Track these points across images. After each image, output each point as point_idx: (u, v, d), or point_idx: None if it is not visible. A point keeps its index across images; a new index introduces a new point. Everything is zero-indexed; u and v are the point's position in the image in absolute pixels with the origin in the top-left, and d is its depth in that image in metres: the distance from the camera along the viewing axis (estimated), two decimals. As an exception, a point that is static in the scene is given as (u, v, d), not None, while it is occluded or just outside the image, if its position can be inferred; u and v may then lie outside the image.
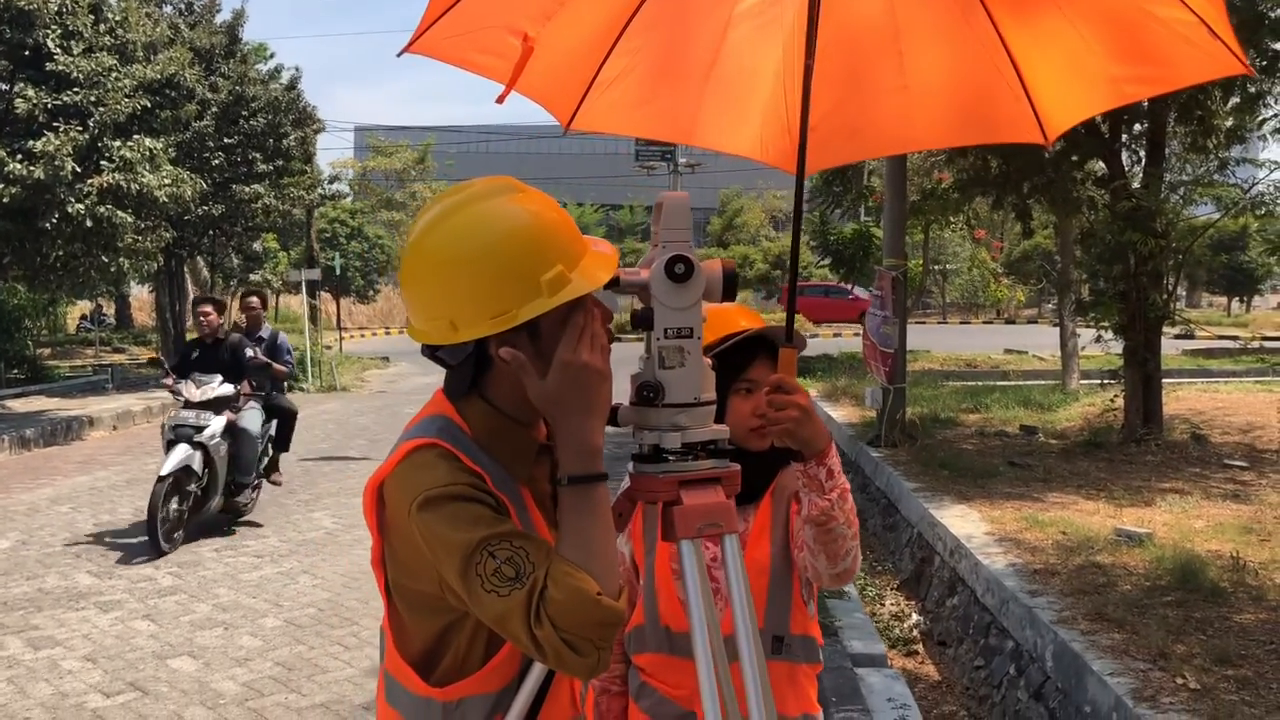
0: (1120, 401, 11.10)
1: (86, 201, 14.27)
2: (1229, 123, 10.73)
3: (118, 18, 15.86)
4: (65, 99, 14.44)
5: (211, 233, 20.15)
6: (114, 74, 14.99)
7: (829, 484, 1.95)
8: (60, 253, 14.80)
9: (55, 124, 14.14)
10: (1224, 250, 33.19)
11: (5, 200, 13.65)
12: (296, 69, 21.69)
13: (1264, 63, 9.82)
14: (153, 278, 23.16)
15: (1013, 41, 2.24)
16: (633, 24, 2.35)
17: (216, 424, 8.38)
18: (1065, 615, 5.35)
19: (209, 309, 8.99)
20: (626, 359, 1.55)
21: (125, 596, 7.01)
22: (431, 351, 1.64)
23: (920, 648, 6.58)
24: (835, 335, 30.46)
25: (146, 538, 8.02)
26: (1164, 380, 11.48)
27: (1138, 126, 11.13)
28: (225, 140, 19.13)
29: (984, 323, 45.16)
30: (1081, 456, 10.09)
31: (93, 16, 15.33)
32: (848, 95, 2.40)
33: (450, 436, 1.60)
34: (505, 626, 1.49)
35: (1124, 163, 11.04)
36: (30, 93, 14.25)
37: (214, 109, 18.91)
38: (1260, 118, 10.58)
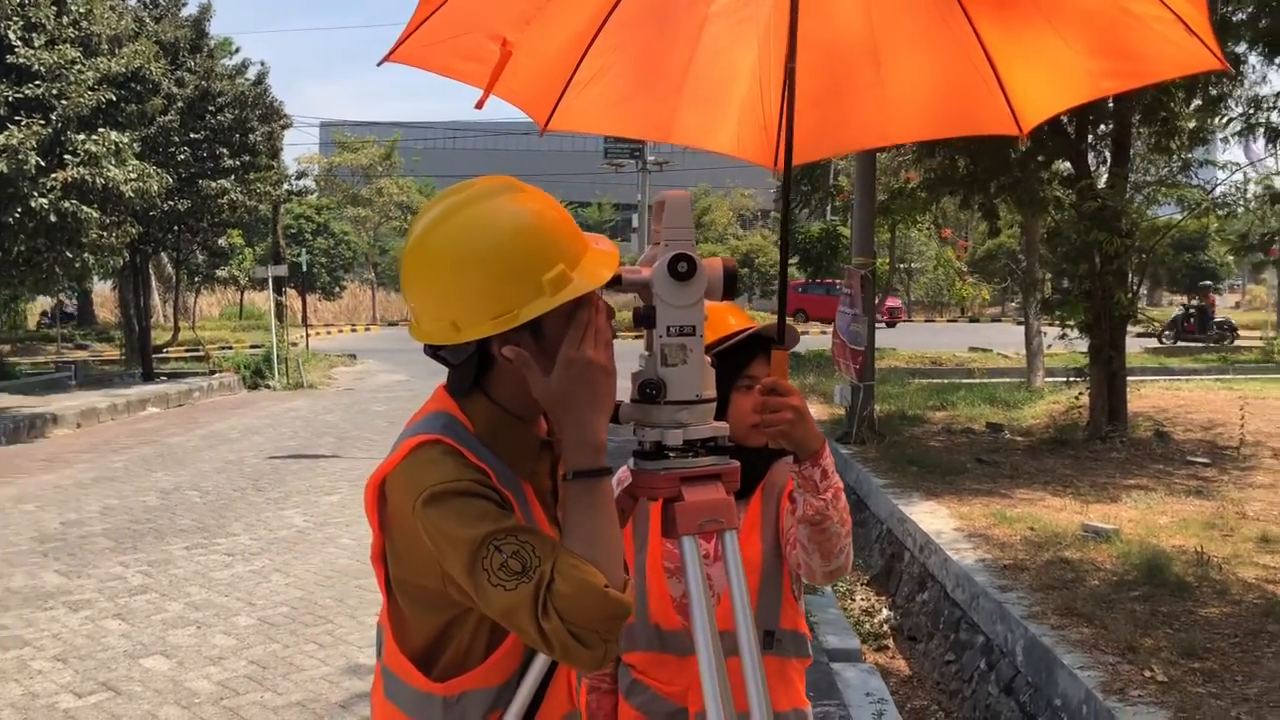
0: (1085, 399, 11.26)
1: (50, 196, 14.09)
2: (1192, 124, 10.91)
3: (81, 10, 15.65)
4: (27, 92, 14.24)
5: (177, 228, 19.92)
6: (77, 67, 14.80)
7: (823, 484, 1.98)
8: (23, 248, 14.58)
9: (17, 117, 13.95)
10: (1185, 250, 33.64)
11: (-33, 194, 13.45)
12: (262, 63, 21.52)
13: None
14: (117, 274, 22.87)
15: (988, 35, 2.28)
16: (608, 24, 2.36)
17: None
18: (1035, 610, 5.42)
19: None
20: (626, 355, 1.57)
21: (95, 596, 6.95)
22: (434, 351, 1.65)
23: (891, 643, 6.65)
24: (822, 333, 30.58)
25: (115, 538, 7.95)
26: (1129, 378, 11.65)
27: (1103, 127, 11.29)
28: (191, 135, 18.93)
29: (948, 321, 45.54)
30: (1048, 453, 10.22)
31: (55, 8, 15.12)
32: (826, 91, 2.43)
33: (454, 433, 1.61)
34: (512, 620, 1.50)
35: (1089, 163, 11.20)
36: (-9, 85, 14.05)
37: (180, 103, 18.71)
38: (1222, 119, 10.76)
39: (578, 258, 1.58)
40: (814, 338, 27.75)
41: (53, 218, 14.16)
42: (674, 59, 2.47)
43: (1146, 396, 13.51)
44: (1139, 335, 12.81)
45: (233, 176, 19.57)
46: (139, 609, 6.68)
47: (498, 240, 1.54)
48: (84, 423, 15.42)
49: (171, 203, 18.25)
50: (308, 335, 27.18)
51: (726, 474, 1.70)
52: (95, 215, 14.69)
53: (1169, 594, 5.58)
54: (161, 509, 9.53)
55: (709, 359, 1.71)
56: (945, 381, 17.22)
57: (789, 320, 2.14)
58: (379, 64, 2.24)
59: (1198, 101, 10.54)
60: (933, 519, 7.49)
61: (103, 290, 38.19)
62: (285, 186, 23.13)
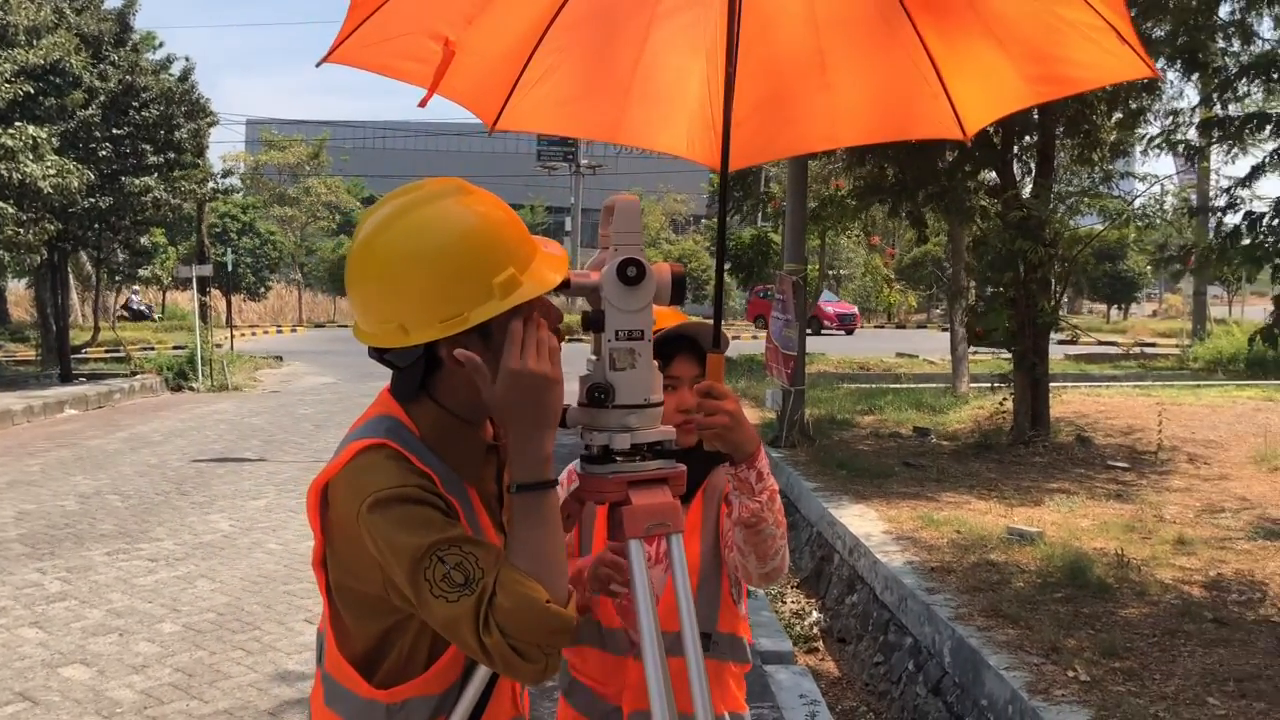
0: (1009, 404, 11.49)
1: (-37, 191, 13.66)
2: (1113, 137, 11.21)
3: (-2, 0, 15.21)
4: (-60, 83, 13.80)
5: (98, 226, 19.40)
6: (-7, 58, 14.37)
7: (759, 486, 2.01)
8: (-67, 244, 14.13)
9: (-72, 109, 13.51)
10: (1106, 259, 34.53)
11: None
12: (188, 59, 21.06)
13: (1144, 81, 10.28)
14: (33, 272, 22.22)
15: (931, 42, 2.32)
16: (556, 23, 2.36)
17: None
18: (962, 611, 5.52)
19: None
20: (572, 358, 1.57)
21: (10, 603, 6.74)
22: (379, 354, 1.63)
23: (820, 644, 6.72)
24: (753, 339, 30.80)
25: (32, 543, 7.72)
26: (1051, 384, 11.92)
27: (1028, 139, 11.54)
28: (114, 131, 18.45)
29: (875, 327, 46.17)
30: (973, 457, 10.42)
31: (-30, -2, 14.68)
32: (772, 94, 2.45)
33: (399, 437, 1.59)
34: (454, 632, 1.49)
35: (1015, 173, 11.44)
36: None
37: (102, 98, 18.24)
38: (1141, 133, 11.07)
39: (527, 261, 1.58)
40: (745, 342, 27.96)
41: (-34, 213, 13.73)
42: (622, 59, 2.47)
43: (1068, 402, 13.82)
44: (1060, 343, 13.12)
45: (156, 174, 19.13)
46: (57, 616, 6.50)
47: (447, 242, 1.53)
48: (-2, 425, 14.96)
49: (92, 200, 17.78)
50: (232, 336, 26.68)
51: (673, 478, 1.71)
52: (11, 211, 14.28)
53: (1091, 595, 5.72)
54: (81, 514, 9.28)
55: (656, 363, 1.72)
56: (873, 386, 17.46)
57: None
58: (318, 65, 2.20)
59: (1119, 115, 10.83)
60: (862, 522, 7.59)
61: (17, 289, 37.11)
62: (210, 185, 22.63)
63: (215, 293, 26.62)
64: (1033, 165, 11.58)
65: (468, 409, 1.64)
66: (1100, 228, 12.72)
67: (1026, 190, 11.26)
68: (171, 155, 19.58)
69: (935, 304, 45.20)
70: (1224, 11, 8.19)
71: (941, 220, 14.39)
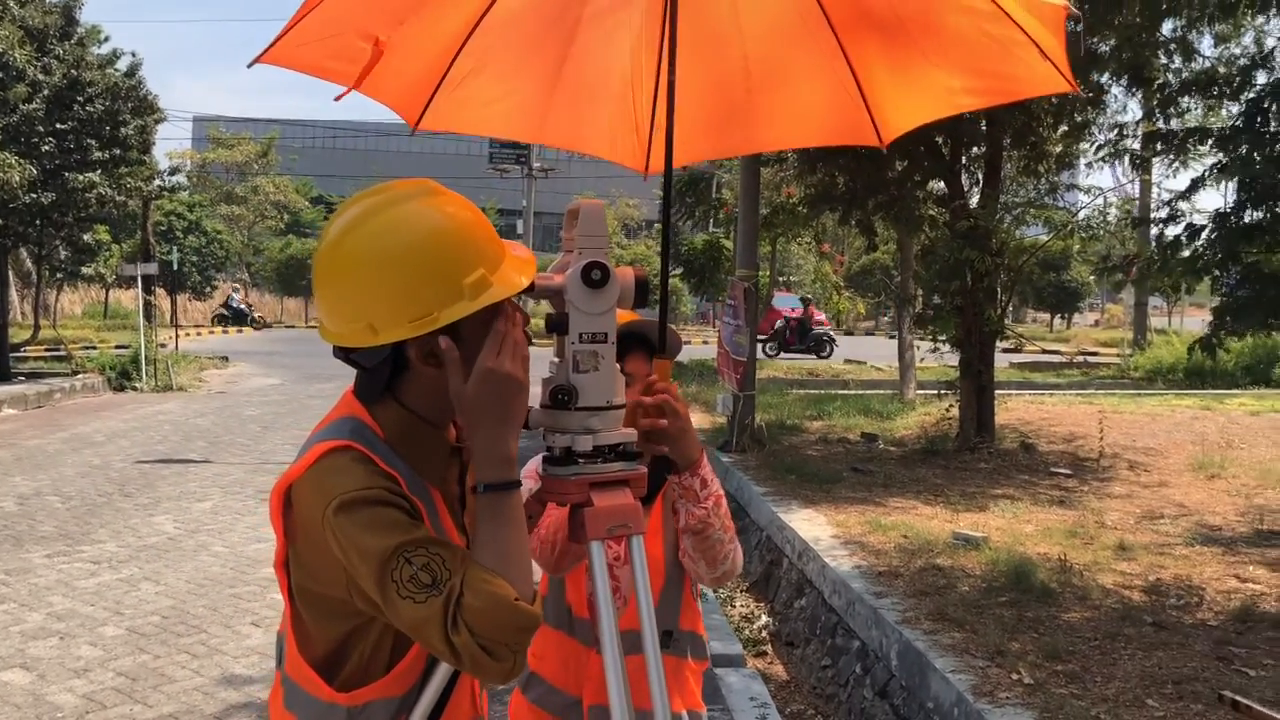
0: (955, 411, 11.65)
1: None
2: (1059, 149, 11.42)
3: (-62, -10, 14.86)
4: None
5: (39, 222, 19.00)
6: (-67, 49, 14.04)
7: (703, 492, 2.04)
8: None
9: None
10: (1050, 269, 35.12)
11: None
12: (134, 54, 20.71)
13: (1091, 94, 10.49)
14: (-30, 268, 21.73)
15: (853, 50, 2.37)
16: (482, 24, 2.37)
17: None
18: (909, 615, 5.60)
19: None
20: (536, 361, 1.58)
21: (-53, 606, 6.60)
22: (345, 354, 1.63)
23: (769, 648, 6.77)
24: (704, 343, 30.90)
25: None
26: (996, 391, 12.10)
27: (976, 150, 11.72)
28: (58, 125, 18.08)
29: (825, 333, 46.47)
30: (920, 463, 10.55)
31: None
32: (697, 97, 2.48)
33: (364, 439, 1.60)
34: (422, 633, 1.50)
35: (963, 184, 11.61)
36: None
37: (46, 92, 17.89)
38: (1086, 146, 11.29)
39: (496, 262, 1.59)
40: (696, 347, 28.05)
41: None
42: (547, 61, 2.49)
43: (1012, 409, 14.04)
44: (1004, 351, 13.34)
45: (101, 170, 18.79)
46: (-4, 620, 6.37)
47: (418, 242, 1.54)
48: (-67, 424, 14.61)
49: (34, 195, 17.42)
50: (177, 336, 26.27)
51: (635, 479, 1.73)
52: (-50, 206, 13.94)
53: (1034, 599, 5.82)
54: (20, 515, 9.10)
55: (619, 366, 1.74)
56: (822, 392, 17.59)
57: (672, 327, 2.19)
58: (249, 65, 2.19)
59: (1064, 127, 11.04)
60: (810, 526, 7.66)
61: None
62: (156, 182, 22.28)
63: (160, 292, 26.19)
64: (980, 176, 11.76)
65: (432, 410, 1.65)
66: (1045, 238, 12.96)
67: (974, 200, 11.44)
68: (117, 151, 19.24)
69: (884, 311, 45.66)
70: (1167, 29, 8.39)
71: (890, 229, 14.57)
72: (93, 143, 18.73)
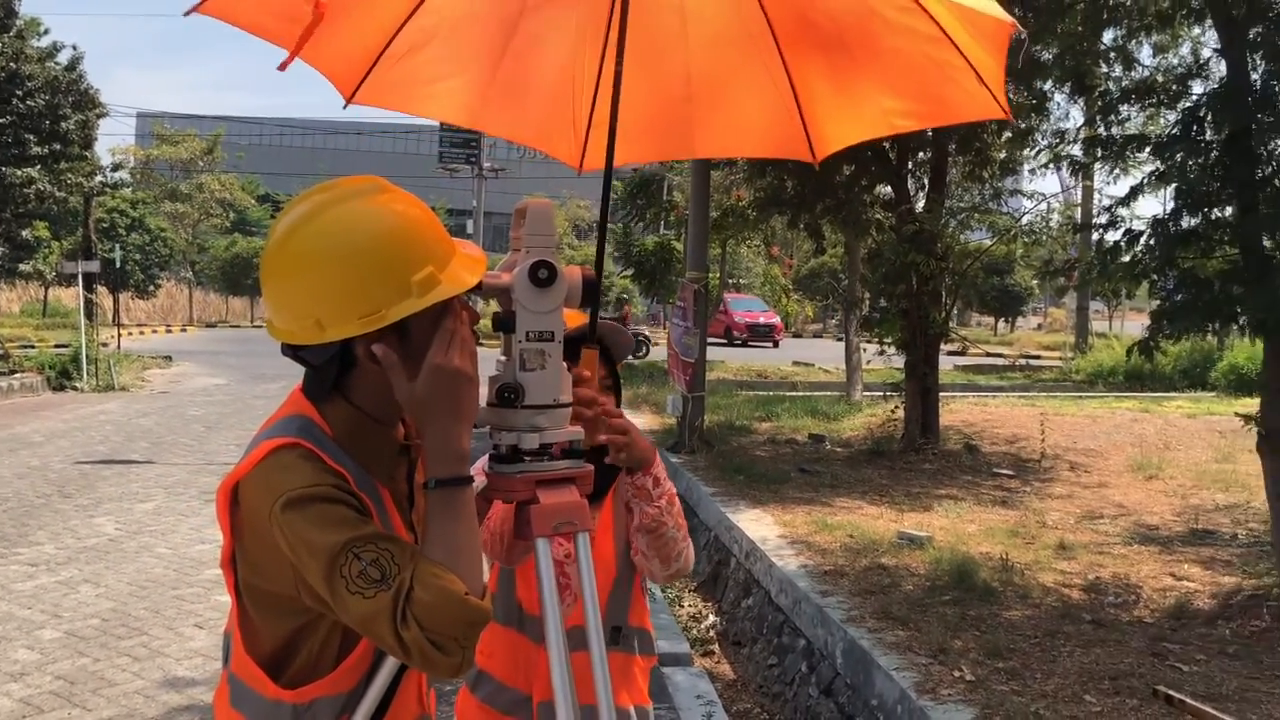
0: (901, 412, 11.79)
1: None
2: (1002, 155, 11.61)
3: None
4: None
5: (-26, 218, 18.62)
6: None
7: (656, 491, 2.06)
8: None
9: None
10: (995, 273, 35.60)
11: None
12: (75, 47, 20.33)
13: (1034, 101, 10.67)
14: (-97, 264, 21.21)
15: (795, 67, 2.39)
16: (427, 2, 2.34)
17: None
18: (854, 614, 5.66)
19: None
20: (483, 360, 1.60)
21: (-122, 609, 6.44)
22: (293, 351, 1.62)
23: (716, 647, 6.81)
24: (655, 344, 30.97)
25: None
26: (941, 393, 12.27)
27: (922, 155, 11.87)
28: (-5, 119, 17.76)
29: (774, 335, 46.77)
30: (865, 464, 10.66)
31: None
32: (636, 100, 2.49)
33: (312, 436, 1.60)
34: (371, 628, 1.50)
35: (909, 188, 11.76)
36: None
37: (-18, 85, 17.55)
38: (1030, 152, 11.48)
39: (446, 260, 1.60)
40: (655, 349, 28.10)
41: None
42: (490, 47, 2.46)
43: (956, 411, 14.23)
44: (949, 353, 13.50)
45: (40, 165, 18.43)
46: (-71, 623, 6.23)
47: (367, 239, 1.54)
48: None
49: (-30, 190, 17.07)
50: (119, 335, 25.81)
51: (581, 477, 1.74)
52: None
53: (977, 598, 5.92)
54: (-46, 517, 8.90)
55: (565, 364, 1.76)
56: (770, 394, 17.71)
57: (623, 326, 2.21)
58: (186, 14, 2.10)
59: (1008, 134, 11.22)
60: (758, 526, 7.72)
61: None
62: (98, 178, 21.90)
63: (102, 290, 25.72)
64: (926, 181, 11.92)
65: (381, 408, 1.65)
66: (989, 242, 13.16)
67: (920, 205, 11.59)
68: (57, 146, 18.90)
69: (832, 314, 46.01)
70: (1108, 38, 8.55)
71: (838, 232, 14.70)
72: (31, 137, 18.39)
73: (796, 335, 46.00)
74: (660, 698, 5.35)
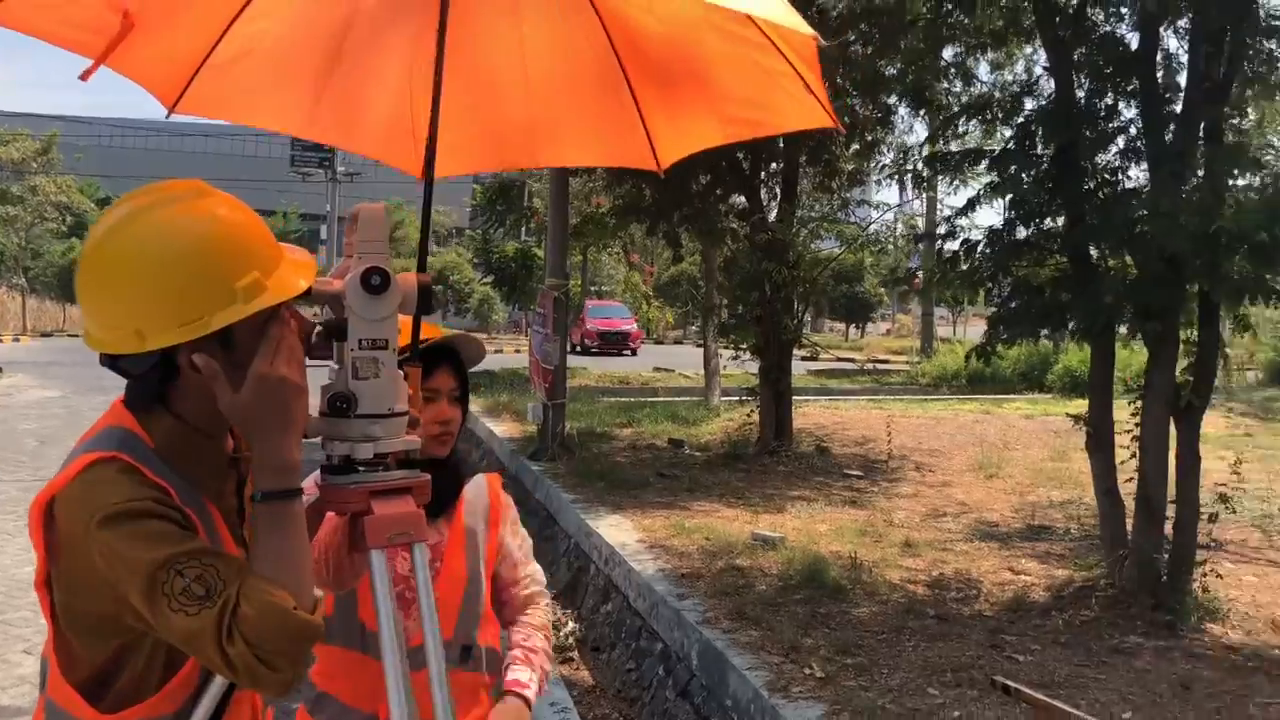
0: (756, 417, 12.03)
1: None
2: (850, 167, 11.97)
3: None
4: None
5: None
6: None
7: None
8: None
9: None
10: (844, 281, 36.67)
11: None
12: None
13: (880, 115, 11.04)
14: None
15: (634, 76, 2.41)
16: (250, 8, 2.27)
17: None
18: (709, 616, 5.74)
19: None
20: (312, 373, 1.56)
21: None
22: (112, 361, 1.55)
23: (575, 654, 6.81)
24: (516, 352, 30.75)
25: None
26: (794, 397, 12.57)
27: (775, 165, 12.14)
28: None
29: (635, 342, 47.08)
30: (722, 467, 10.83)
31: None
32: (476, 105, 2.47)
33: (131, 449, 1.53)
34: (194, 646, 1.45)
35: (762, 198, 12.02)
36: None
37: None
38: (875, 164, 11.88)
39: (272, 266, 1.55)
40: (508, 356, 27.92)
41: None
42: (320, 53, 2.40)
43: (809, 414, 14.59)
44: (803, 359, 13.85)
45: None
46: None
47: (188, 244, 1.49)
48: None
49: None
50: (-58, 345, 24.24)
51: (417, 487, 1.71)
52: None
53: (827, 596, 6.07)
54: None
55: (401, 371, 1.73)
56: (632, 400, 17.81)
57: (475, 336, 2.20)
58: None
59: (856, 146, 11.58)
60: (617, 532, 7.75)
61: None
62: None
63: (-78, 297, 24.15)
64: (778, 191, 12.20)
65: (205, 420, 1.60)
66: (839, 251, 13.55)
67: (773, 215, 11.85)
68: None
69: (692, 321, 46.58)
70: (948, 54, 8.91)
71: (695, 241, 14.91)
72: None
73: (658, 342, 46.37)
74: (516, 707, 5.31)
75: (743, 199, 12.08)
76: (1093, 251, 6.30)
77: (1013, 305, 6.53)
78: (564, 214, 12.67)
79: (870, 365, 30.27)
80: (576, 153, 2.83)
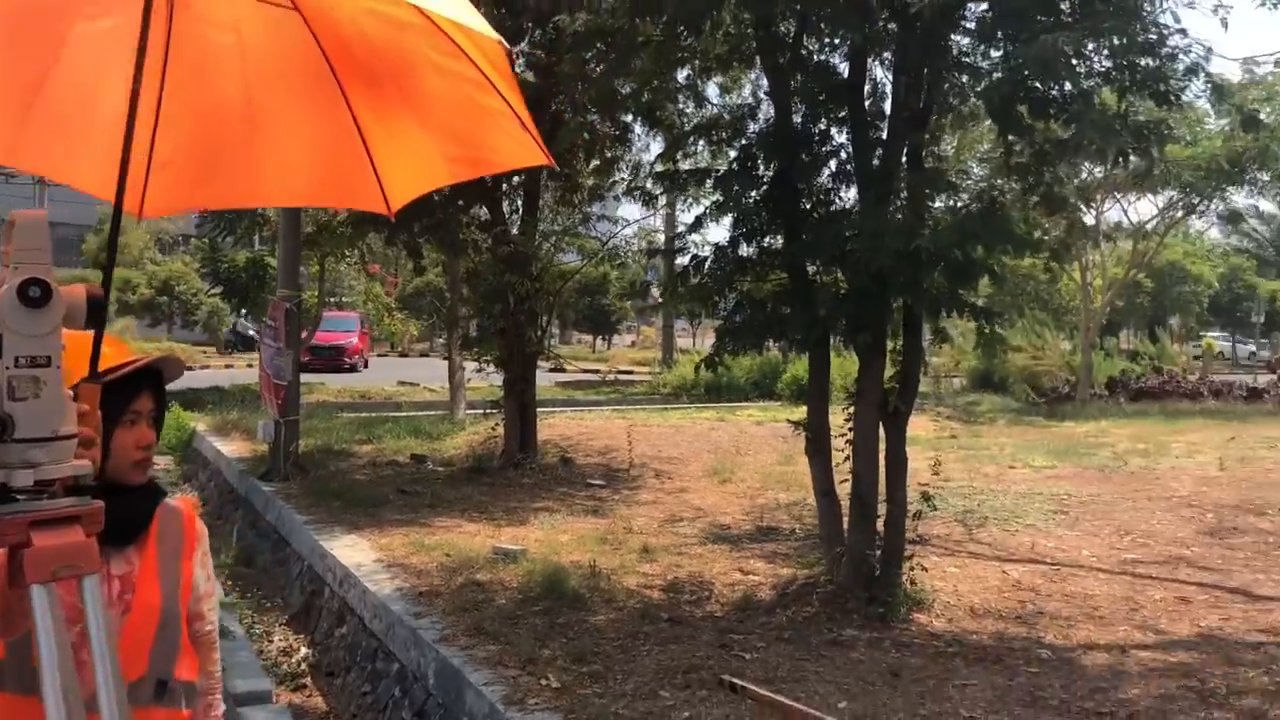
0: (501, 429, 12.01)
1: None
2: (591, 182, 12.18)
3: None
4: None
5: None
6: None
7: None
8: None
9: None
10: (589, 294, 37.22)
11: None
12: None
13: (617, 132, 11.28)
14: None
15: (362, 115, 2.36)
16: None
17: None
18: (447, 633, 5.67)
19: None
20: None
21: None
22: None
23: (309, 680, 6.57)
24: (228, 367, 29.23)
25: None
26: (539, 409, 12.64)
27: (516, 178, 12.17)
28: None
29: (379, 355, 45.98)
30: (466, 481, 10.74)
31: None
32: (196, 141, 2.36)
33: None
34: None
35: (504, 210, 12.02)
36: None
37: None
38: (614, 179, 12.14)
39: None
40: (239, 371, 26.62)
41: None
42: (21, 77, 2.20)
43: (555, 426, 14.70)
44: (550, 370, 13.95)
45: None
46: None
47: None
48: None
49: None
50: None
51: (87, 515, 1.59)
52: None
53: (566, 606, 6.12)
54: None
55: (70, 392, 1.60)
56: (373, 415, 17.35)
57: (174, 355, 2.08)
58: None
59: (596, 162, 11.79)
60: (353, 552, 7.53)
61: None
62: None
63: None
64: (520, 204, 12.24)
65: None
66: (580, 264, 13.75)
67: (515, 228, 11.88)
68: None
69: (437, 333, 45.96)
70: (681, 76, 9.22)
71: (438, 251, 14.73)
72: None
73: (403, 355, 45.48)
74: (239, 741, 5.06)
75: (485, 211, 12.04)
76: (809, 268, 6.68)
77: (738, 318, 6.83)
78: (297, 222, 12.23)
79: (614, 376, 30.86)
80: (306, 191, 2.70)
